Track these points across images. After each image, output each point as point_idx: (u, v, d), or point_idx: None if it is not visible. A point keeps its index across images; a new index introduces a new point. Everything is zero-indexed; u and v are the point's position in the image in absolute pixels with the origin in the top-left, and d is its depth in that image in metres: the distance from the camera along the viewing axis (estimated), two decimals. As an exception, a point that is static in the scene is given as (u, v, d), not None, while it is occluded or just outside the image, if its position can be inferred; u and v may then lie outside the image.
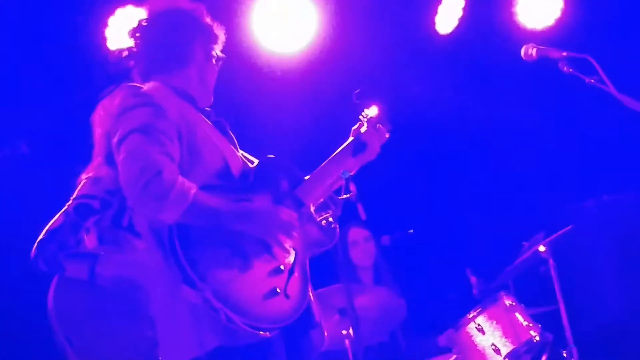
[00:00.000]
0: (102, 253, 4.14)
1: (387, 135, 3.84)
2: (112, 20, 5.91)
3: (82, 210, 4.19)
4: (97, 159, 4.37)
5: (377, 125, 3.81)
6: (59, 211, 4.22)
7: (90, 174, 4.30)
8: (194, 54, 3.58)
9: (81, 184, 4.27)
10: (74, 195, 4.23)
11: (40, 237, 4.15)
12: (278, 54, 6.67)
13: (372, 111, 3.84)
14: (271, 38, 6.60)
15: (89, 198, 4.21)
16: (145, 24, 3.61)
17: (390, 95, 3.87)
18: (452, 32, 7.18)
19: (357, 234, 6.46)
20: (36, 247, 4.13)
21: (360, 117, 3.85)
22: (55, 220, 4.18)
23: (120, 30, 5.89)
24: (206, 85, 3.64)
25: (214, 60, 3.64)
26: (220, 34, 3.68)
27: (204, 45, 3.61)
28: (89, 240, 4.20)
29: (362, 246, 6.50)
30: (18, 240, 4.22)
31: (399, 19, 7.04)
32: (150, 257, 4.09)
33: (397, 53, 7.11)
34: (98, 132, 4.42)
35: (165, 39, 3.56)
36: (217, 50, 3.66)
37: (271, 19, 6.55)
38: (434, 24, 7.13)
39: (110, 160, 4.30)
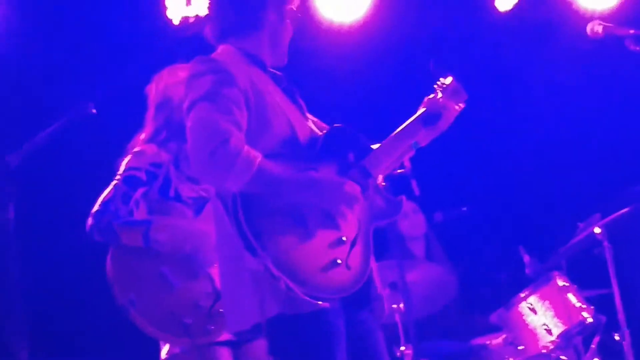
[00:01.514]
0: (154, 220, 4.22)
1: (462, 106, 3.72)
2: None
3: (131, 181, 4.30)
4: (143, 133, 4.46)
5: (453, 95, 3.69)
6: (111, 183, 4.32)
7: (136, 149, 4.40)
8: (267, 17, 3.56)
9: (127, 158, 4.37)
10: (122, 169, 4.33)
11: (94, 208, 4.26)
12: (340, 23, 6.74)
13: (448, 80, 3.72)
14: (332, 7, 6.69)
15: (136, 170, 4.31)
16: None
17: (461, 72, 3.78)
18: (512, 9, 7.14)
19: (406, 205, 6.49)
20: (91, 218, 4.23)
21: (436, 86, 3.73)
22: (107, 193, 4.28)
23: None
24: (279, 47, 3.62)
25: (288, 20, 3.61)
26: None
27: (278, 6, 3.58)
28: (139, 214, 4.30)
29: (411, 217, 6.55)
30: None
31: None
32: (206, 224, 4.19)
33: (455, 30, 7.08)
34: (151, 106, 4.50)
35: (237, 1, 3.56)
36: (292, 8, 3.62)
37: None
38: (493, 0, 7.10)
39: (155, 137, 4.38)
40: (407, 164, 3.78)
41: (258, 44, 3.57)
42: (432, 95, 3.72)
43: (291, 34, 3.65)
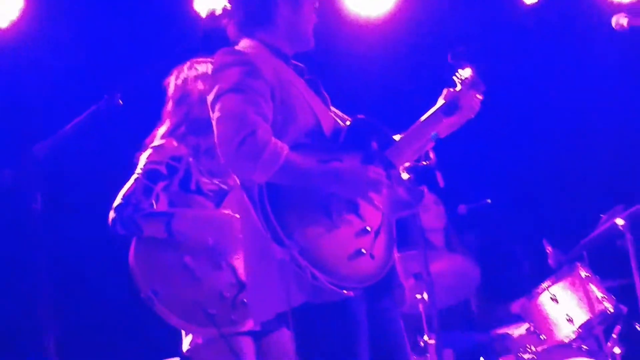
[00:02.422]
0: (176, 211, 4.24)
1: (481, 98, 3.74)
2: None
3: (152, 175, 4.31)
4: (162, 127, 4.48)
5: (472, 86, 3.71)
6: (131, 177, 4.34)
7: (155, 143, 4.42)
8: (278, 10, 3.58)
9: (147, 152, 4.38)
10: (142, 163, 4.35)
11: (116, 202, 4.27)
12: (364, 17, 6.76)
13: (466, 72, 3.74)
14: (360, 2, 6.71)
15: (156, 164, 4.32)
16: None
17: (480, 64, 3.80)
18: (538, 2, 7.13)
19: (428, 197, 6.55)
20: (113, 212, 4.25)
21: (454, 77, 3.76)
22: (128, 187, 4.30)
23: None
24: (298, 37, 3.63)
25: (306, 9, 3.62)
26: None
27: None
28: (160, 207, 4.32)
29: (433, 209, 6.58)
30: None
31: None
32: (228, 215, 4.23)
33: (481, 23, 7.08)
34: (169, 100, 4.52)
35: None
36: None
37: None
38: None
39: (174, 131, 4.41)
40: (432, 155, 3.81)
41: (276, 36, 3.60)
42: (451, 88, 3.75)
43: (314, 20, 3.66)
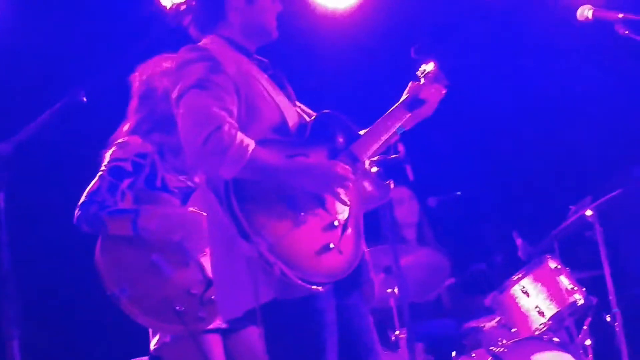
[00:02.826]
0: (142, 208, 4.20)
1: (444, 92, 3.80)
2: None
3: (117, 172, 4.27)
4: (126, 124, 4.44)
5: (435, 80, 3.78)
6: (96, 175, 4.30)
7: (119, 140, 4.38)
8: (230, 3, 3.56)
9: (111, 149, 4.35)
10: (106, 160, 4.31)
11: (81, 200, 4.23)
12: (332, 9, 6.73)
13: (429, 66, 3.81)
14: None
15: (121, 161, 4.29)
16: None
17: (443, 57, 3.84)
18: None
19: (402, 192, 6.55)
20: (78, 210, 4.21)
21: (418, 72, 3.82)
22: (93, 184, 4.26)
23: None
24: (256, 30, 3.61)
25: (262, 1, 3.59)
26: None
27: None
28: (125, 204, 4.28)
29: (407, 204, 6.59)
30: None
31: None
32: (194, 212, 4.20)
33: (449, 15, 7.09)
34: (134, 97, 4.48)
35: None
36: None
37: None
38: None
39: (139, 128, 4.37)
40: (401, 149, 3.82)
41: (234, 30, 3.58)
42: (415, 82, 3.80)
43: (277, 9, 3.64)
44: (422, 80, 3.79)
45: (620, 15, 3.89)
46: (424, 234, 6.76)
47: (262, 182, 3.24)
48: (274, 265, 3.15)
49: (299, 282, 3.19)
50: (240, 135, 3.21)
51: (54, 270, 6.20)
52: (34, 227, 5.97)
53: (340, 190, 3.35)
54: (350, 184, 3.38)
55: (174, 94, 3.34)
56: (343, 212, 3.40)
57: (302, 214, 3.28)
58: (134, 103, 4.47)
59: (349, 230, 3.40)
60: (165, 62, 4.44)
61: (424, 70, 3.82)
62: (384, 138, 3.66)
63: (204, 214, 3.78)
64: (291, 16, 3.96)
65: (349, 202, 3.41)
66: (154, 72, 4.45)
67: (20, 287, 3.82)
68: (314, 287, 3.22)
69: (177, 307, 4.04)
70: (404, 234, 6.65)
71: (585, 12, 4.04)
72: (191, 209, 4.25)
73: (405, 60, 3.87)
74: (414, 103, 3.72)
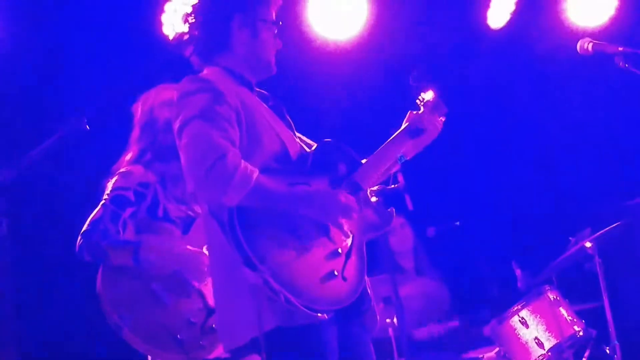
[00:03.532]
0: (144, 240, 4.22)
1: (443, 119, 3.82)
2: (168, 6, 6.01)
3: (119, 201, 4.29)
4: (129, 154, 4.46)
5: (434, 109, 3.79)
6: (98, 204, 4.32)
7: (122, 169, 4.40)
8: (234, 33, 3.59)
9: (114, 178, 4.37)
10: (109, 189, 4.33)
11: (84, 228, 4.25)
12: (332, 40, 6.77)
13: (428, 95, 3.81)
14: (325, 25, 6.73)
15: (124, 190, 4.31)
16: (194, 7, 3.66)
17: (441, 85, 3.85)
18: (504, 27, 7.19)
19: (394, 220, 6.54)
20: (80, 238, 4.22)
21: (417, 101, 3.83)
22: (95, 213, 4.27)
23: (176, 16, 5.98)
24: (258, 62, 3.64)
25: (265, 34, 3.62)
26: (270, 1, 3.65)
27: (247, 20, 3.59)
28: (127, 234, 4.30)
29: (399, 232, 6.58)
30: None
31: (451, 13, 7.06)
32: (195, 242, 4.21)
33: (447, 47, 7.13)
34: (136, 127, 4.51)
35: (207, 21, 3.61)
36: (267, 19, 3.63)
37: (324, 6, 6.68)
38: (486, 18, 7.15)
39: (140, 158, 4.39)
40: (401, 179, 3.83)
41: (236, 62, 3.61)
42: (415, 110, 3.81)
43: (277, 46, 3.67)
44: (422, 109, 3.80)
45: (620, 49, 3.93)
46: (421, 264, 6.75)
47: (266, 210, 3.25)
48: (279, 292, 3.16)
49: (304, 309, 3.19)
50: (244, 163, 3.23)
51: (57, 296, 6.18)
52: (36, 255, 5.96)
53: (344, 218, 3.37)
54: (355, 214, 3.40)
55: (176, 125, 3.36)
56: (347, 240, 3.42)
57: (306, 242, 3.29)
58: (136, 133, 4.50)
59: (353, 258, 3.42)
60: (166, 91, 4.46)
61: (423, 99, 3.82)
62: (385, 167, 3.69)
63: (206, 252, 3.79)
64: (292, 47, 3.99)
65: (351, 230, 3.44)
66: (155, 101, 4.48)
67: (19, 313, 3.82)
68: (319, 314, 3.23)
69: (178, 336, 4.05)
70: (401, 263, 6.64)
71: (585, 44, 4.07)
72: (191, 248, 4.25)
73: (406, 90, 3.89)
74: (414, 132, 3.73)
